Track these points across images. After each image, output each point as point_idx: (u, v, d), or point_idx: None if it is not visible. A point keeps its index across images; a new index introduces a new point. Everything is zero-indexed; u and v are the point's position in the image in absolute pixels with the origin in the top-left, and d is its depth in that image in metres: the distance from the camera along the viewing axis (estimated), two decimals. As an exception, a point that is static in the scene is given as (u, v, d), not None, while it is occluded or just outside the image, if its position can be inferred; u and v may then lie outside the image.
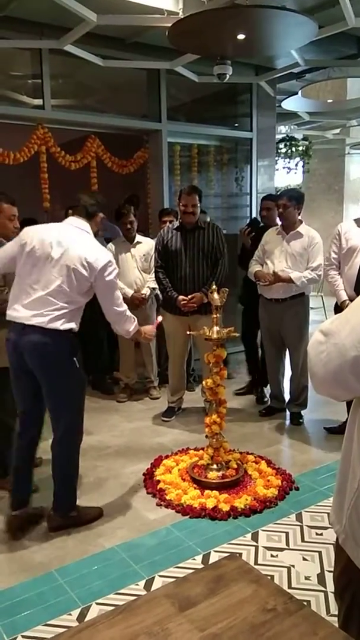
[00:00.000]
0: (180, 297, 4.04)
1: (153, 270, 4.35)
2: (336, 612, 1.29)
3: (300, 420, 4.25)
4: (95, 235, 2.91)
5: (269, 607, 1.12)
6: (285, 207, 3.99)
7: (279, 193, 4.30)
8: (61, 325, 2.65)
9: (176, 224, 4.19)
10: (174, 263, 4.10)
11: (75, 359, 2.75)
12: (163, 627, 1.08)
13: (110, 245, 4.69)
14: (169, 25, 3.55)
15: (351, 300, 3.46)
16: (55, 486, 2.87)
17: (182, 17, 3.46)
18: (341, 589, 1.23)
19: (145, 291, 4.63)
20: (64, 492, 2.87)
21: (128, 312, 2.89)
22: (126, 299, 4.48)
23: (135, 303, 4.53)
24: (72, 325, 2.72)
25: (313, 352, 1.11)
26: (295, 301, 4.05)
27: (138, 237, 4.71)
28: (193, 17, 3.33)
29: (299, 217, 4.09)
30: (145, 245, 4.67)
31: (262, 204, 4.79)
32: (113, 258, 2.84)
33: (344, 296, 3.74)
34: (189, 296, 4.03)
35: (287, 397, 4.41)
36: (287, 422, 4.31)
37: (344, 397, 1.13)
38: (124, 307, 2.86)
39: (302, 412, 4.29)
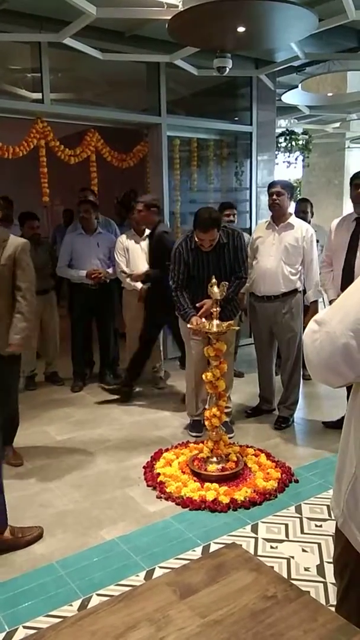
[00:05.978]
0: (193, 318, 3.55)
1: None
2: (335, 602, 1.34)
3: (283, 426, 4.01)
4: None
5: (269, 595, 1.13)
6: (279, 194, 3.85)
7: (269, 183, 4.08)
8: None
9: (191, 242, 3.67)
10: (197, 286, 3.68)
11: None
12: (164, 614, 1.09)
13: (122, 237, 4.79)
14: (169, 18, 3.54)
15: None
16: None
17: (181, 9, 3.43)
18: (340, 570, 1.30)
19: None
20: None
21: None
22: (136, 291, 4.63)
23: (143, 295, 4.62)
24: None
25: (308, 340, 1.16)
26: (288, 297, 3.91)
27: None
28: (193, 10, 3.32)
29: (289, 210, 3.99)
30: None
31: (224, 212, 4.78)
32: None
33: (331, 295, 3.78)
34: (198, 304, 3.60)
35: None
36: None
37: (337, 383, 1.16)
38: None
39: (290, 417, 4.07)
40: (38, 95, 4.89)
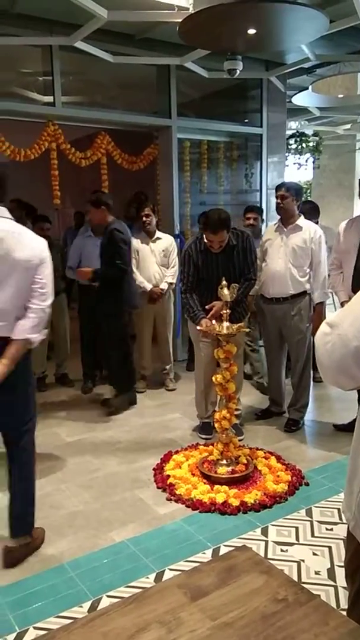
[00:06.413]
0: (203, 320, 3.53)
1: (182, 288, 3.81)
2: (346, 606, 1.34)
3: (293, 428, 4.00)
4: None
5: (280, 598, 1.13)
6: (284, 197, 3.84)
7: (276, 186, 4.09)
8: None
9: (200, 244, 3.67)
10: (206, 288, 3.66)
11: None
12: (175, 616, 1.09)
13: (134, 239, 4.79)
14: (180, 20, 3.55)
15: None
16: (20, 508, 2.58)
17: (192, 12, 3.45)
18: (351, 573, 1.29)
19: (164, 286, 4.82)
20: (31, 512, 2.63)
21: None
22: (145, 293, 4.67)
23: (153, 297, 4.72)
24: None
25: (320, 343, 1.17)
26: (297, 299, 3.88)
27: (158, 233, 4.87)
28: (203, 12, 3.33)
29: (298, 212, 3.94)
30: (165, 241, 4.87)
31: (245, 215, 4.87)
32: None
33: (342, 297, 3.76)
34: (207, 307, 3.59)
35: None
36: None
37: (349, 386, 1.16)
38: None
39: (300, 419, 4.07)
40: (49, 98, 4.92)
